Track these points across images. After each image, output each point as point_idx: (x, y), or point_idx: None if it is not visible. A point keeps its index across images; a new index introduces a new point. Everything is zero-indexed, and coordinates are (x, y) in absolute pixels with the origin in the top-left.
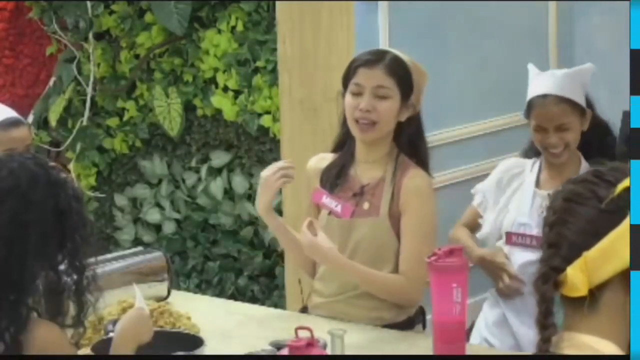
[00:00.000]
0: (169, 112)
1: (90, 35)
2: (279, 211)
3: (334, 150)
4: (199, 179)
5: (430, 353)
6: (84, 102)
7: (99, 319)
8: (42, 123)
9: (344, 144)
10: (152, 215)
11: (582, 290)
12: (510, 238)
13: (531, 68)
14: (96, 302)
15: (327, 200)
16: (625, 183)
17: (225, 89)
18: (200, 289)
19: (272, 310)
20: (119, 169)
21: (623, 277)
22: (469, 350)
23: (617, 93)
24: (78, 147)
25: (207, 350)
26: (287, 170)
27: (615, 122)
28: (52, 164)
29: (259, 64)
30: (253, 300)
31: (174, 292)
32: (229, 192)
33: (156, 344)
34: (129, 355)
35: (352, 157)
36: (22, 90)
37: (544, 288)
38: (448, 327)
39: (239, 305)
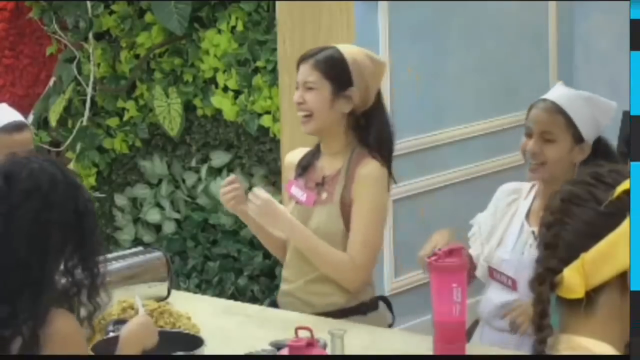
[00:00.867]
0: (169, 112)
1: (90, 35)
2: None
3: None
4: (199, 179)
5: (430, 353)
6: (84, 102)
7: (99, 319)
8: (42, 123)
9: None
10: (152, 215)
11: (578, 292)
12: (492, 273)
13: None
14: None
15: (294, 190)
16: (624, 185)
17: (225, 89)
18: (200, 289)
19: (272, 310)
20: (119, 169)
21: (620, 280)
22: (469, 350)
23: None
24: (78, 147)
25: (207, 350)
26: (237, 192)
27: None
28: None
29: (259, 64)
30: (253, 300)
31: (174, 292)
32: None
33: (155, 347)
34: (129, 356)
35: (319, 150)
36: (22, 90)
37: (540, 289)
38: (448, 327)
39: (239, 305)
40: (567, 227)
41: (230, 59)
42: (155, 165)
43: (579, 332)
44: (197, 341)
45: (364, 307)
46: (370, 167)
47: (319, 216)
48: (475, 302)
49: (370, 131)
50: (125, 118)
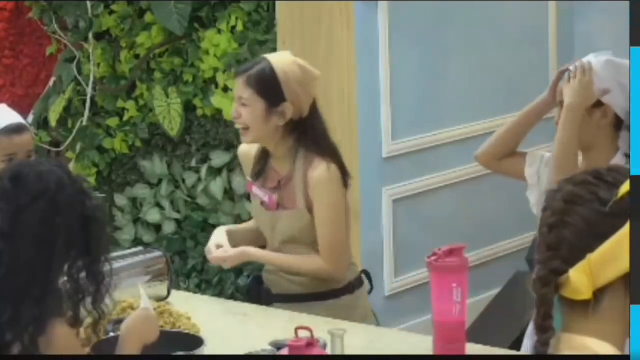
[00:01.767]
0: (169, 112)
1: (90, 35)
2: None
3: None
4: (199, 179)
5: (431, 353)
6: (84, 102)
7: None
8: (42, 123)
9: None
10: (152, 215)
11: (585, 294)
12: None
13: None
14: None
15: (256, 190)
16: (627, 186)
17: (225, 89)
18: (200, 289)
19: (272, 310)
20: (119, 169)
21: (624, 281)
22: (469, 350)
23: None
24: (78, 147)
25: (207, 350)
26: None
27: None
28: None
29: None
30: None
31: (174, 292)
32: (229, 192)
33: (156, 344)
34: (129, 356)
35: (268, 151)
36: (22, 90)
37: (544, 291)
38: (448, 327)
39: (239, 305)
40: (570, 228)
41: (230, 59)
42: (155, 165)
43: (582, 332)
44: (197, 341)
45: (351, 286)
46: (320, 170)
47: (286, 220)
48: (475, 302)
49: (309, 138)
50: (125, 118)
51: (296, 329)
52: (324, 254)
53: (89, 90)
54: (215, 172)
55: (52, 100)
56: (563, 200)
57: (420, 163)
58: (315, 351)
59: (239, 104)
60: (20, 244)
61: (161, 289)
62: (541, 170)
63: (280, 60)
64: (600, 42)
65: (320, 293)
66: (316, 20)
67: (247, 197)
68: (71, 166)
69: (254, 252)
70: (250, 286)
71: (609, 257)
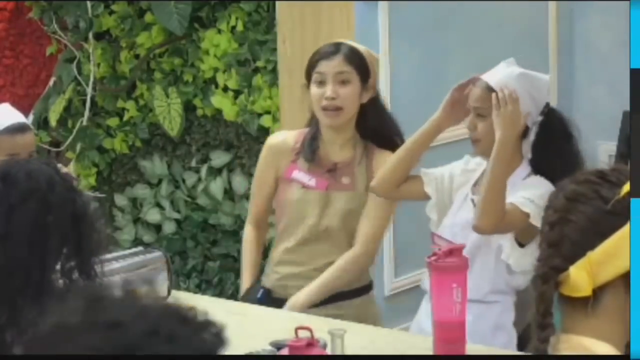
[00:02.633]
0: (169, 112)
1: (90, 35)
2: None
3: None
4: (199, 179)
5: (431, 353)
6: (84, 102)
7: None
8: (42, 123)
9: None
10: (152, 215)
11: (585, 291)
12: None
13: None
14: None
15: (297, 174)
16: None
17: (225, 89)
18: (200, 289)
19: (272, 310)
20: (119, 169)
21: (624, 280)
22: (469, 350)
23: (617, 93)
24: (78, 147)
25: None
26: None
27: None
28: (64, 170)
29: (259, 64)
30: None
31: (174, 292)
32: (229, 192)
33: None
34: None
35: (319, 139)
36: (22, 90)
37: (544, 288)
38: (448, 327)
39: (239, 305)
40: (572, 225)
41: (230, 59)
42: (155, 165)
43: (581, 331)
44: None
45: (371, 284)
46: (387, 157)
47: (340, 201)
48: None
49: (375, 122)
50: (125, 118)
51: (296, 329)
52: (365, 240)
53: (89, 90)
54: (215, 172)
55: (52, 100)
56: (565, 198)
57: (420, 163)
58: (315, 351)
59: (334, 83)
60: (13, 243)
61: (161, 289)
62: (439, 187)
63: (350, 41)
64: (600, 42)
65: (347, 292)
66: (316, 20)
67: (247, 197)
68: (71, 166)
69: (305, 298)
70: (261, 302)
71: (609, 255)
